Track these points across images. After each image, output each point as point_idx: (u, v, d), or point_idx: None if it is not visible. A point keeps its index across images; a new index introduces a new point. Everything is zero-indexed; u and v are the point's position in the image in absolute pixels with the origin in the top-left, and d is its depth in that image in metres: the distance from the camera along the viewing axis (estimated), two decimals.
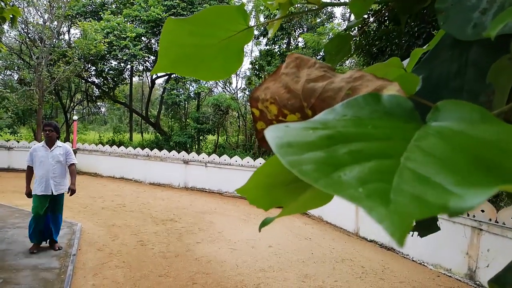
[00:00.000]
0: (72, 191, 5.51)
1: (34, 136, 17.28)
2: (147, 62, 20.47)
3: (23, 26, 16.91)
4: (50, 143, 5.43)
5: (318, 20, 20.12)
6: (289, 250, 6.43)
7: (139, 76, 24.78)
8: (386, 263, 6.08)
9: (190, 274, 5.17)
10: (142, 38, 18.18)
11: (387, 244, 6.80)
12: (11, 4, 4.19)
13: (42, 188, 5.27)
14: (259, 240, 6.90)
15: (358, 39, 6.80)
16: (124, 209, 8.81)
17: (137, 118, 26.41)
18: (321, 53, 19.03)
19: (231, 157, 11.53)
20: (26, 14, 16.85)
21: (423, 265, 6.03)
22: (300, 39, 20.65)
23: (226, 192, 11.23)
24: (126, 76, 21.50)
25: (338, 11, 26.92)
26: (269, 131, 0.33)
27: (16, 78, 17.95)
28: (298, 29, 20.34)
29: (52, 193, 5.34)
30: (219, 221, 8.17)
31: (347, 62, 17.79)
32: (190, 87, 21.44)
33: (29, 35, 16.52)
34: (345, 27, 17.71)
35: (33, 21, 16.90)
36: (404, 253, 6.42)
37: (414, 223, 0.22)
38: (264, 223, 0.58)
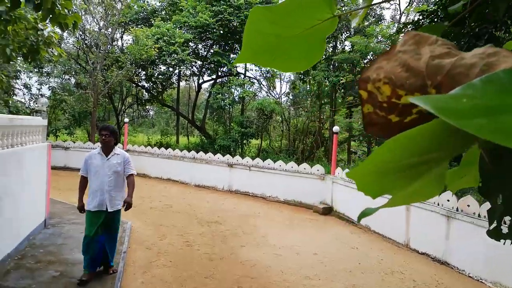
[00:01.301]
0: (128, 205, 4.66)
1: (88, 137, 18.27)
2: (194, 67, 21.03)
3: (80, 33, 18.02)
4: (106, 150, 4.65)
5: (366, 23, 19.63)
6: (335, 259, 6.26)
7: (186, 80, 25.50)
8: (439, 277, 5.74)
9: (235, 278, 5.17)
10: (190, 43, 18.70)
11: (441, 257, 6.41)
12: (72, 11, 4.40)
13: (95, 203, 4.48)
14: (303, 247, 6.78)
15: None
16: (171, 209, 9.04)
17: (183, 121, 27.15)
18: (369, 56, 18.58)
19: (274, 162, 11.50)
20: (83, 22, 17.92)
21: (481, 282, 5.61)
22: (347, 42, 20.25)
23: (269, 196, 11.20)
24: (174, 80, 22.19)
25: (387, 13, 26.12)
26: (421, 100, 0.29)
27: (73, 82, 19.14)
28: (345, 32, 19.96)
29: (107, 209, 4.55)
30: (263, 225, 8.14)
31: None
32: (235, 91, 21.72)
33: (85, 42, 17.56)
34: (395, 29, 17.09)
35: (90, 28, 17.96)
36: (460, 268, 6.02)
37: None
38: (365, 214, 0.54)
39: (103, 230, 4.62)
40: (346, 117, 18.35)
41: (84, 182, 4.70)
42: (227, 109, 22.17)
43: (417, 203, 7.00)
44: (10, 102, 14.07)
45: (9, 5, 5.78)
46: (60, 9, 4.07)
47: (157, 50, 16.62)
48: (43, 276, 4.66)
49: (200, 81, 22.58)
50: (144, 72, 19.35)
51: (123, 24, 19.04)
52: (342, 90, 19.35)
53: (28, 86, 18.30)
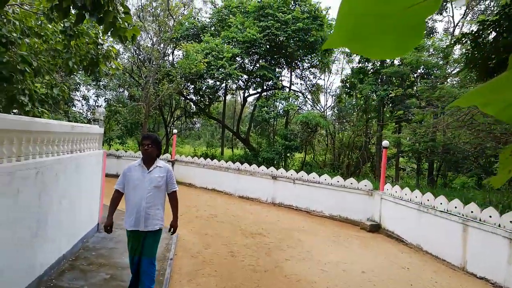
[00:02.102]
0: (173, 228, 4.17)
1: (138, 147, 19.02)
2: (240, 81, 21.40)
3: (135, 48, 19.02)
4: (148, 162, 4.06)
5: None
6: (385, 278, 5.96)
7: (232, 94, 26.00)
8: None
9: None
10: (237, 58, 19.09)
11: (502, 284, 5.90)
12: (131, 24, 4.61)
13: (132, 222, 3.93)
14: (350, 264, 6.53)
15: (469, 52, 6.15)
16: (216, 219, 9.12)
17: (228, 133, 27.60)
18: (419, 70, 17.93)
19: (320, 175, 11.29)
20: (138, 38, 18.91)
21: None
22: None
23: (314, 210, 10.97)
24: (220, 94, 22.70)
25: (440, 26, 25.22)
26: None
27: (127, 95, 20.16)
28: None
29: (143, 228, 3.95)
30: (308, 240, 7.96)
31: (455, 78, 16.40)
32: (280, 104, 21.78)
33: (139, 57, 18.49)
34: (447, 42, 16.41)
35: (144, 44, 18.91)
36: None
37: None
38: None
39: (141, 252, 4.00)
40: (394, 132, 17.73)
41: (117, 197, 4.10)
42: (272, 122, 22.26)
43: (476, 224, 6.54)
44: (70, 112, 15.05)
45: (73, 21, 6.22)
46: (121, 22, 4.27)
47: (206, 65, 17.10)
48: (95, 278, 4.84)
49: (246, 94, 22.91)
50: (192, 86, 19.98)
51: (174, 40, 19.82)
52: (391, 104, 18.76)
53: (86, 97, 19.56)
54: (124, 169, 4.16)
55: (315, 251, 7.18)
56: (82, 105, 19.35)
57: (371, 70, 19.22)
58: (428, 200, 7.92)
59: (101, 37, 7.43)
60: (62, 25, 6.45)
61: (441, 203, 7.55)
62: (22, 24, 6.38)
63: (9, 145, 3.52)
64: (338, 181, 10.64)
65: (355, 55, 19.85)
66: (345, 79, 21.07)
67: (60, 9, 3.73)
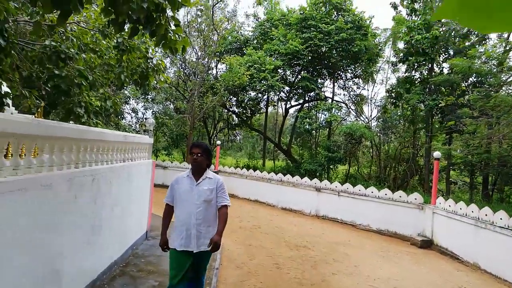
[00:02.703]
0: (215, 245, 3.45)
1: (183, 158, 19.51)
2: (282, 92, 21.43)
3: (181, 62, 19.67)
4: (197, 172, 3.65)
5: (467, 43, 18.11)
6: None
7: (273, 105, 26.07)
8: None
9: None
10: (279, 70, 19.17)
11: None
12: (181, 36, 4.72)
13: (181, 241, 3.50)
14: (402, 281, 6.20)
15: None
16: (259, 230, 9.06)
17: (269, 145, 27.64)
18: (471, 78, 17.05)
19: (365, 188, 10.93)
20: (185, 54, 19.56)
21: None
22: (445, 64, 18.87)
23: (360, 224, 10.60)
24: (262, 105, 22.85)
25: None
26: None
27: (172, 108, 20.84)
28: (443, 54, 18.64)
29: (196, 249, 3.51)
30: (355, 254, 7.67)
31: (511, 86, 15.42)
32: (322, 115, 21.52)
33: (185, 71, 19.09)
34: (501, 48, 15.50)
35: (189, 58, 19.52)
36: None
37: None
38: None
39: (189, 275, 3.58)
40: (445, 144, 16.86)
41: (169, 211, 3.74)
42: (314, 133, 22.01)
43: None
44: (120, 124, 15.78)
45: (126, 36, 6.52)
46: (172, 34, 4.40)
47: (249, 77, 17.30)
48: (144, 284, 4.93)
49: (288, 106, 22.87)
50: (235, 98, 20.27)
51: (218, 53, 20.28)
52: (440, 115, 17.93)
53: (135, 110, 20.45)
54: (172, 181, 3.77)
55: (363, 266, 6.89)
56: (132, 118, 20.26)
57: (418, 79, 18.53)
58: (486, 215, 7.39)
59: (151, 52, 7.75)
60: (115, 40, 6.79)
61: (501, 218, 7.01)
62: (79, 40, 6.78)
63: (68, 153, 3.69)
64: (386, 194, 10.23)
65: (400, 64, 19.27)
66: (391, 89, 20.45)
67: (115, 23, 3.89)
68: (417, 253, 8.43)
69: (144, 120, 19.39)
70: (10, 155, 2.87)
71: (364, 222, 10.52)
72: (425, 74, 18.26)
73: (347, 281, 5.94)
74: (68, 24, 6.51)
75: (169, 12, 4.48)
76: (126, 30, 4.57)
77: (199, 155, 3.61)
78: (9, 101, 5.64)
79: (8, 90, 5.72)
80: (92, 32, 7.01)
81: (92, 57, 7.12)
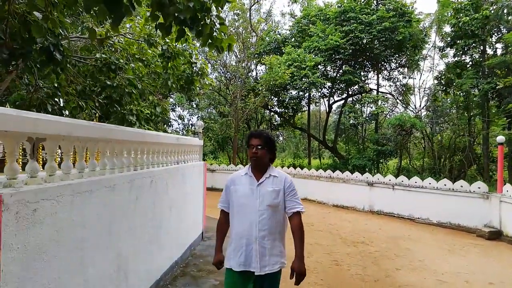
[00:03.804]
0: (298, 273, 2.71)
1: (229, 161, 19.70)
2: (323, 89, 21.03)
3: (221, 68, 19.94)
4: (258, 169, 2.85)
5: None
6: None
7: (315, 103, 25.65)
8: None
9: None
10: (319, 66, 18.82)
11: None
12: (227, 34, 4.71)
13: (239, 259, 2.71)
14: (473, 275, 5.77)
15: None
16: (313, 228, 8.88)
17: (314, 144, 27.23)
18: None
19: (422, 180, 10.38)
20: (225, 58, 19.80)
21: None
22: (498, 45, 17.63)
23: (418, 218, 10.08)
24: (304, 103, 22.55)
25: None
26: None
27: (216, 112, 21.18)
28: (496, 34, 17.41)
29: (259, 270, 2.69)
30: (417, 249, 7.28)
31: None
32: (368, 108, 20.85)
33: (226, 75, 19.32)
34: None
35: (229, 62, 19.74)
36: None
37: None
38: None
39: None
40: (505, 129, 15.67)
41: (225, 220, 2.94)
42: (360, 128, 21.38)
43: None
44: (167, 131, 16.25)
45: (169, 44, 6.65)
46: (217, 33, 4.39)
47: (290, 75, 17.14)
48: (206, 284, 4.95)
49: (331, 101, 22.40)
50: (276, 98, 20.19)
51: (257, 55, 20.31)
52: (497, 98, 16.74)
53: (182, 117, 21.02)
54: (227, 181, 2.96)
55: (428, 260, 6.51)
56: (178, 124, 20.84)
57: (470, 63, 17.43)
58: None
59: (194, 57, 7.87)
60: (160, 48, 6.97)
61: None
62: (126, 52, 7.02)
63: (128, 155, 3.79)
64: (445, 185, 9.65)
65: (448, 48, 18.24)
66: (440, 75, 19.43)
67: (162, 27, 3.94)
68: (485, 245, 7.85)
69: (191, 126, 19.86)
70: (76, 159, 2.98)
71: (423, 215, 9.99)
72: (477, 57, 17.16)
73: (412, 277, 5.63)
74: (115, 37, 6.77)
75: (214, 12, 4.48)
76: (172, 33, 4.60)
77: (259, 147, 2.78)
78: (67, 112, 5.93)
79: (65, 102, 6.04)
80: (138, 42, 7.25)
81: (139, 66, 7.34)
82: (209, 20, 4.23)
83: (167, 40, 6.87)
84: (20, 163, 3.51)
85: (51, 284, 2.38)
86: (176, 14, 3.84)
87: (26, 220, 2.12)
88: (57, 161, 3.71)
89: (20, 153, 3.68)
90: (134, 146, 3.91)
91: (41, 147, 2.85)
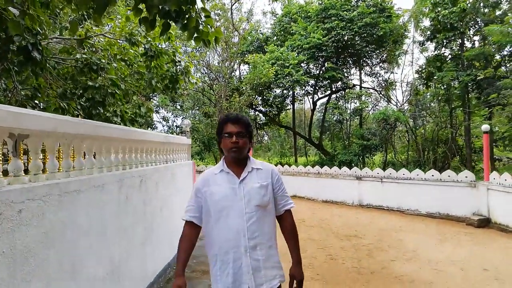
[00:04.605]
0: (298, 280, 2.26)
1: (215, 161, 19.52)
2: (307, 86, 21.06)
3: (204, 68, 19.75)
4: (237, 163, 2.26)
5: (498, 12, 17.16)
6: None
7: (299, 100, 25.70)
8: None
9: None
10: (302, 64, 18.83)
11: None
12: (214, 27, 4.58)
13: (227, 279, 2.11)
14: (467, 262, 5.81)
15: None
16: (304, 223, 8.83)
17: (299, 142, 27.30)
18: (506, 49, 16.22)
19: (410, 172, 10.47)
20: (208, 59, 19.62)
21: None
22: (476, 37, 18.02)
23: (407, 209, 10.15)
24: (288, 101, 22.54)
25: None
26: None
27: (201, 112, 20.99)
28: (473, 27, 17.78)
29: None
30: (410, 239, 7.31)
31: None
32: (353, 104, 20.99)
33: (209, 75, 19.13)
34: None
35: (212, 63, 19.57)
36: None
37: None
38: None
39: None
40: (485, 119, 16.00)
41: (190, 237, 2.25)
42: (345, 123, 21.51)
43: None
44: None
45: (156, 36, 6.48)
46: (203, 26, 4.27)
47: (274, 73, 17.09)
48: (200, 285, 4.82)
49: (315, 98, 22.47)
50: (260, 97, 20.10)
51: (239, 54, 20.18)
52: (476, 90, 17.08)
53: (166, 118, 20.74)
54: (196, 183, 2.29)
55: (421, 250, 6.53)
56: (163, 126, 20.53)
57: (449, 56, 17.75)
58: None
59: (178, 55, 7.71)
60: (142, 47, 6.79)
61: None
62: (107, 52, 6.82)
63: (116, 154, 3.63)
64: (432, 175, 9.75)
65: (428, 42, 18.52)
66: (420, 69, 19.71)
67: (146, 20, 3.81)
68: (475, 233, 7.94)
69: (175, 128, 19.60)
70: (61, 157, 2.81)
71: (412, 207, 10.07)
72: (456, 50, 17.48)
73: (408, 267, 5.62)
74: (95, 37, 6.57)
75: (199, 5, 4.36)
76: (156, 27, 4.45)
77: (240, 135, 2.16)
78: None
79: (46, 104, 5.80)
80: (119, 43, 7.06)
81: (122, 65, 7.15)
82: (194, 13, 4.11)
83: (149, 39, 6.72)
84: (0, 163, 3.31)
85: None
86: (160, 7, 3.72)
87: (11, 222, 1.96)
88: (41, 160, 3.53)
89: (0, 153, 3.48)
90: (122, 145, 3.75)
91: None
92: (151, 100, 17.30)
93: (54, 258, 2.37)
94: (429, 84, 19.16)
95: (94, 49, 6.59)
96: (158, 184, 4.74)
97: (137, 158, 4.17)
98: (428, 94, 20.54)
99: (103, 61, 6.27)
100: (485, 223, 8.42)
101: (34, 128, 2.26)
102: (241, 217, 2.12)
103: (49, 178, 2.50)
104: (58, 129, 2.51)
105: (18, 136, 2.19)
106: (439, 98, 19.23)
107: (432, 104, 20.34)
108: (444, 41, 16.95)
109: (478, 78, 14.84)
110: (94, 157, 3.21)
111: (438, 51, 18.04)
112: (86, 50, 6.30)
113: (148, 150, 4.64)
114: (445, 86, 17.50)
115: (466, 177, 9.15)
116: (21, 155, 2.52)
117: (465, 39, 17.64)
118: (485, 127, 9.01)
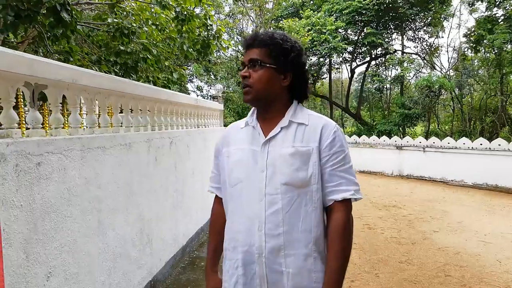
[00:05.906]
0: None
1: None
2: (345, 53, 20.14)
3: (238, 36, 19.30)
4: (268, 114, 1.38)
5: None
6: None
7: (337, 69, 24.75)
8: None
9: (438, 265, 4.30)
10: (339, 30, 17.91)
11: None
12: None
13: (239, 279, 1.33)
14: None
15: None
16: None
17: (336, 112, 26.49)
18: None
19: (456, 140, 9.80)
20: (241, 26, 19.14)
21: None
22: None
23: (452, 180, 9.58)
24: (325, 70, 21.72)
25: None
26: None
27: (235, 81, 20.71)
28: None
29: None
30: (455, 211, 6.87)
31: None
32: (394, 71, 19.91)
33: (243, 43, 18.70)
34: None
35: (246, 30, 19.08)
36: None
37: None
38: None
39: None
40: None
41: (217, 215, 1.57)
42: (385, 92, 20.53)
43: None
44: None
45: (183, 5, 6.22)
46: None
47: (310, 39, 16.39)
48: None
49: (353, 66, 21.50)
50: None
51: (273, 20, 19.50)
52: None
53: (200, 88, 20.68)
54: (216, 143, 1.59)
55: (468, 222, 6.11)
56: (197, 96, 20.49)
57: (502, 17, 16.19)
58: None
59: (210, 18, 7.41)
60: (174, 11, 6.56)
61: None
62: (139, 17, 6.66)
63: (144, 114, 3.50)
64: (481, 144, 9.06)
65: (479, 2, 16.98)
66: (469, 32, 18.21)
67: None
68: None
69: (209, 98, 19.54)
70: (84, 112, 2.69)
71: (457, 177, 9.48)
72: (510, 9, 15.89)
73: (453, 238, 5.26)
74: (126, 1, 6.41)
75: None
76: None
77: (254, 63, 1.32)
78: None
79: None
80: (150, 6, 6.88)
81: (153, 30, 7.00)
82: None
83: (181, 2, 6.47)
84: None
85: (65, 247, 2.15)
86: None
87: (29, 175, 1.86)
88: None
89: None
90: (150, 104, 3.61)
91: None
92: (186, 68, 17.21)
93: (79, 215, 2.29)
94: (478, 48, 17.69)
95: (125, 14, 6.47)
96: (189, 147, 4.61)
97: (166, 120, 4.04)
98: (476, 60, 19.05)
99: (134, 25, 6.13)
100: None
101: (51, 78, 2.12)
102: (258, 199, 1.31)
103: (71, 133, 2.39)
104: (78, 81, 2.36)
105: (35, 87, 2.06)
106: (489, 63, 17.79)
107: (480, 71, 18.88)
108: (497, 0, 15.44)
109: None
110: (120, 116, 3.09)
111: (490, 12, 16.50)
112: (117, 14, 6.18)
113: (179, 112, 4.49)
114: (496, 50, 16.11)
115: None
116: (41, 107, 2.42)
117: None
118: None
